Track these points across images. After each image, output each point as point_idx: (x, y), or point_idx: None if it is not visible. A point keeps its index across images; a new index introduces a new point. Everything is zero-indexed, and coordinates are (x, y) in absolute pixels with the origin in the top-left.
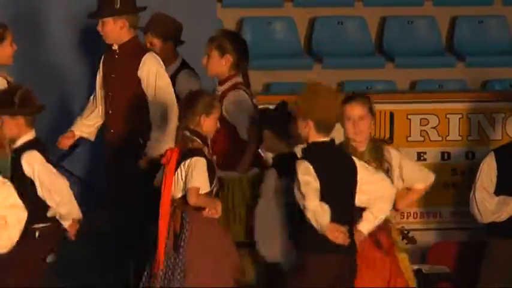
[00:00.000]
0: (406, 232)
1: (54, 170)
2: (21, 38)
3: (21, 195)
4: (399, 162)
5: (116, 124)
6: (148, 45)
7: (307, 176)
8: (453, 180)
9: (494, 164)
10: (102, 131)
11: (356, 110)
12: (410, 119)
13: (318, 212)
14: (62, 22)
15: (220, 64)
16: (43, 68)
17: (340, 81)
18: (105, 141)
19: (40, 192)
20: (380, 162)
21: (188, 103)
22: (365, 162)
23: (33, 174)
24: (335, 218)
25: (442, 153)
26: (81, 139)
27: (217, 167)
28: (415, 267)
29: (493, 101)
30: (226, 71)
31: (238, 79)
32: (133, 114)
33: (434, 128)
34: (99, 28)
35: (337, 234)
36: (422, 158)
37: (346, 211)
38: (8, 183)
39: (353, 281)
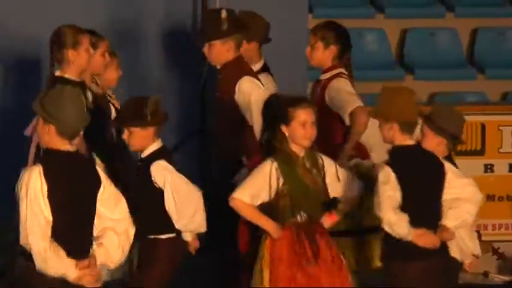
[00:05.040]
0: (496, 248)
1: (187, 180)
2: (121, 48)
3: (147, 205)
4: (335, 169)
5: (218, 141)
6: None
7: (384, 185)
8: None
9: None
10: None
11: (311, 115)
12: (501, 131)
13: (393, 222)
14: (161, 29)
15: (324, 55)
16: (133, 77)
17: (431, 93)
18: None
19: (170, 203)
20: (317, 169)
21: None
22: (306, 169)
23: (164, 184)
24: (423, 222)
25: None
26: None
27: None
28: (507, 279)
29: None
30: (329, 61)
31: (341, 69)
32: (234, 133)
33: None
34: (205, 50)
35: (425, 239)
36: None
37: (434, 214)
38: (120, 195)
39: (451, 282)
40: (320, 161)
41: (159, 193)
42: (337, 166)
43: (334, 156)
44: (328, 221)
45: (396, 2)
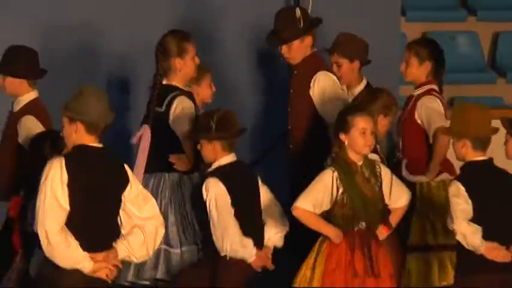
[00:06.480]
0: None
1: (228, 206)
2: (208, 57)
3: (205, 220)
4: (390, 178)
5: (294, 140)
6: (334, 66)
7: (456, 198)
8: None
9: None
10: None
11: (370, 123)
12: None
13: (467, 234)
14: (235, 33)
15: (419, 71)
16: (218, 80)
17: None
18: (287, 155)
19: (210, 221)
20: (375, 177)
21: (368, 99)
22: (365, 178)
23: (205, 199)
24: (495, 236)
25: None
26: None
27: (408, 171)
28: None
29: None
30: (423, 77)
31: (434, 86)
32: (310, 132)
33: None
34: (283, 51)
35: (496, 253)
36: None
37: (509, 229)
38: (149, 195)
39: None
40: (377, 168)
41: (204, 208)
42: (393, 176)
43: (416, 171)
44: (383, 233)
45: (488, 5)
